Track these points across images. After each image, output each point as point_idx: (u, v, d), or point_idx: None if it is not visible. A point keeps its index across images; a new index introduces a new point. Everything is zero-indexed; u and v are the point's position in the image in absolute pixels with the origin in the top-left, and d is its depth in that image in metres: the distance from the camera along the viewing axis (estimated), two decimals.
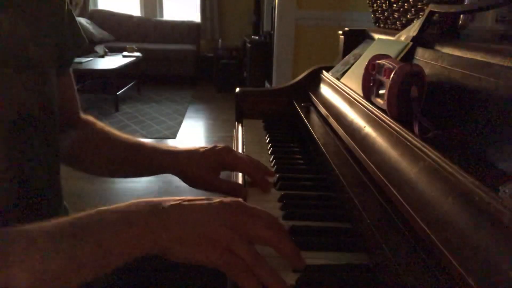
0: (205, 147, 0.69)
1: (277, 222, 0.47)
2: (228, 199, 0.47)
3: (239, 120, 1.13)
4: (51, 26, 0.56)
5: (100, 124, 0.74)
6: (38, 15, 0.54)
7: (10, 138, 0.49)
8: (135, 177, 0.75)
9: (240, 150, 0.91)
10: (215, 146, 0.69)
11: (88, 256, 0.39)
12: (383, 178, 0.50)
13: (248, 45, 4.65)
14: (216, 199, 0.46)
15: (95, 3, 6.16)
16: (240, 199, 0.48)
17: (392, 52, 0.71)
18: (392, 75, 0.57)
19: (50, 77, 0.56)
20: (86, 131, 0.72)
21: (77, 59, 4.26)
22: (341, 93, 0.86)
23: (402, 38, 0.75)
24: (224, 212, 0.44)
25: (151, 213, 0.43)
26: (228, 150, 0.69)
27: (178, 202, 0.45)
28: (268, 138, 0.97)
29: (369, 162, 0.55)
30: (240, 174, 0.71)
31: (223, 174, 0.70)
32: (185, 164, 0.68)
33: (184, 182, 0.70)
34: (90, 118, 0.75)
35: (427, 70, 0.58)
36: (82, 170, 0.73)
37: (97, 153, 0.72)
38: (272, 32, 3.56)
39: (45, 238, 0.39)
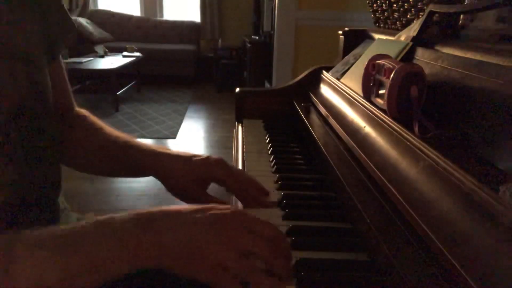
0: (198, 156, 0.64)
1: (275, 234, 0.45)
2: (225, 209, 0.45)
3: (239, 120, 1.13)
4: (37, 13, 0.55)
5: (93, 118, 0.71)
6: (22, 6, 0.52)
7: (8, 130, 0.48)
8: (124, 177, 0.71)
9: (240, 150, 0.91)
10: (208, 157, 0.64)
11: (81, 269, 0.39)
12: (383, 178, 0.50)
13: (248, 45, 4.65)
14: (211, 209, 0.45)
15: (95, 3, 6.16)
16: (238, 209, 0.47)
17: (392, 52, 0.71)
18: (392, 75, 0.57)
19: (42, 66, 0.54)
20: (78, 124, 0.69)
21: (77, 59, 4.27)
22: (341, 93, 0.86)
23: (402, 38, 0.75)
24: (218, 227, 0.43)
25: (143, 230, 0.42)
26: (222, 164, 0.63)
27: (169, 216, 0.44)
28: (268, 138, 0.97)
29: (369, 162, 0.55)
30: None
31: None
32: (169, 169, 0.62)
33: (167, 189, 0.64)
34: (84, 111, 0.72)
35: (427, 70, 0.58)
36: (74, 166, 0.70)
37: (87, 147, 0.68)
38: (272, 32, 3.56)
39: (43, 248, 0.39)
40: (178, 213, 0.44)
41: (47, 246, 0.40)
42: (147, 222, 0.43)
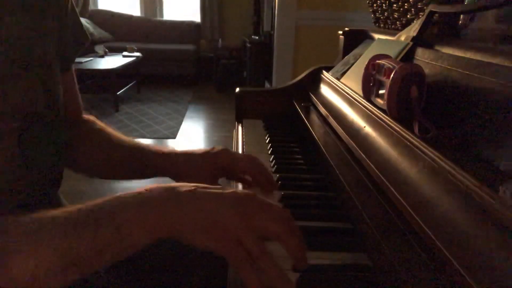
0: (203, 150, 0.66)
1: (288, 217, 0.47)
2: (241, 191, 0.48)
3: (239, 120, 1.13)
4: (55, 24, 0.57)
5: (101, 124, 0.73)
6: (42, 14, 0.54)
7: (21, 136, 0.50)
8: (132, 179, 0.72)
9: (240, 150, 0.91)
10: (212, 149, 0.67)
11: (109, 240, 0.40)
12: (383, 178, 0.50)
13: (248, 45, 4.65)
14: (230, 189, 0.47)
15: (95, 3, 6.15)
16: (253, 192, 0.48)
17: (392, 52, 0.71)
18: (392, 75, 0.57)
19: (55, 75, 0.56)
20: (86, 130, 0.71)
21: (77, 59, 4.25)
22: (341, 93, 0.86)
23: (402, 38, 0.75)
24: (236, 202, 0.45)
25: (168, 198, 0.44)
26: (226, 152, 0.66)
27: (193, 188, 0.45)
28: (268, 138, 0.97)
29: (369, 162, 0.55)
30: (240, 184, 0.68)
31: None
32: (183, 167, 0.66)
33: None
34: (91, 117, 0.74)
35: (427, 70, 0.58)
36: (79, 171, 0.71)
37: (96, 153, 0.70)
38: (272, 32, 3.56)
39: (70, 223, 0.40)
40: (203, 187, 0.46)
41: (74, 222, 0.40)
42: (171, 190, 0.45)
